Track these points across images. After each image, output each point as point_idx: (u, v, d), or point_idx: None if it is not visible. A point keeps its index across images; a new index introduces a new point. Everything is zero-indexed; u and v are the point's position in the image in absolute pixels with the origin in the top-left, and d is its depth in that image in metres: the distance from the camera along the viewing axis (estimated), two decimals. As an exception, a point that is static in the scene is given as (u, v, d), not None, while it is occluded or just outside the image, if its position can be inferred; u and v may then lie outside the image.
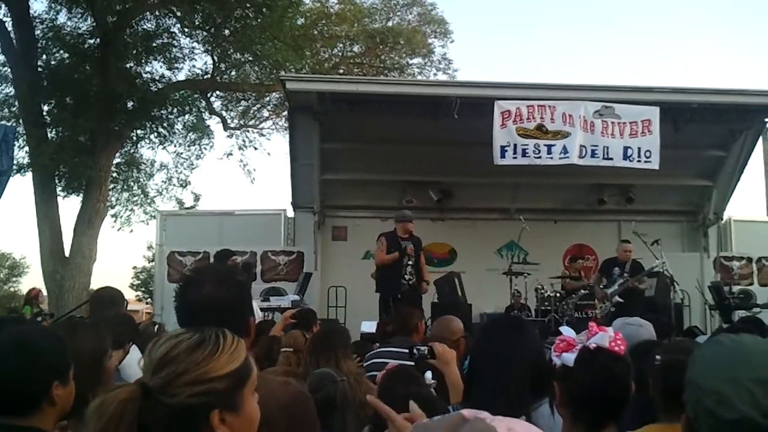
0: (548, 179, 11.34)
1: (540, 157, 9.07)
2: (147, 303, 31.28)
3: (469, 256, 12.29)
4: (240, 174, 44.75)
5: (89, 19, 15.30)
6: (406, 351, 3.22)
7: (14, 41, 14.67)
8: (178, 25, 16.22)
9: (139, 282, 35.64)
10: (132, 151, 17.44)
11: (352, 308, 11.08)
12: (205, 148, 19.07)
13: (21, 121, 14.76)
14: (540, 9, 64.25)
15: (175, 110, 16.41)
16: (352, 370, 3.64)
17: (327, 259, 12.19)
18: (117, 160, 16.66)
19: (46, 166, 13.98)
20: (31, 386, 1.97)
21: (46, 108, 15.21)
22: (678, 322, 9.22)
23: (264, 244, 12.17)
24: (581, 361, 1.91)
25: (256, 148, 21.38)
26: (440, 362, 3.06)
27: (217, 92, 19.66)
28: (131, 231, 22.03)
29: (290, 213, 12.89)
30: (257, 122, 22.04)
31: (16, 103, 15.27)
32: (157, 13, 15.86)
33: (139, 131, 16.46)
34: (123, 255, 56.56)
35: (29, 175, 14.71)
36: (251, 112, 21.69)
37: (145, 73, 16.37)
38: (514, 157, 9.06)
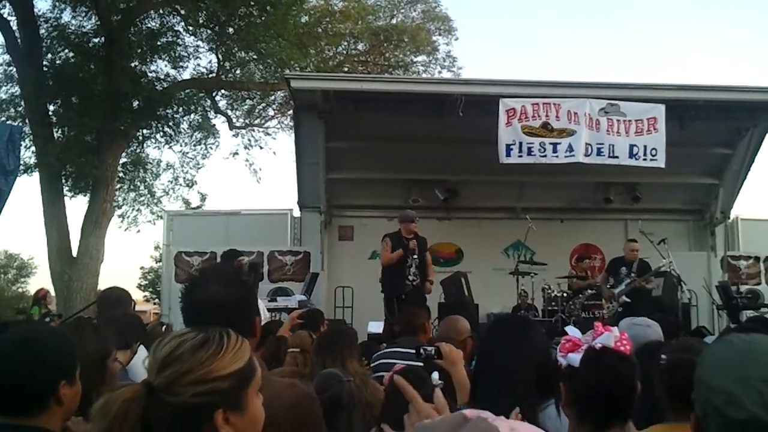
0: (554, 178, 11.32)
1: (545, 156, 9.06)
2: (155, 303, 31.39)
3: (475, 255, 12.28)
4: (246, 173, 44.80)
5: (93, 17, 15.34)
6: (413, 351, 3.21)
7: (19, 40, 14.70)
8: (183, 24, 16.25)
9: (147, 282, 35.72)
10: (138, 150, 17.49)
11: (359, 308, 11.06)
12: (211, 148, 19.12)
13: (27, 120, 14.80)
14: (543, 6, 64.12)
15: (180, 109, 16.42)
16: (358, 371, 3.63)
17: (334, 259, 12.20)
18: (123, 160, 16.72)
19: (53, 166, 14.02)
20: (38, 385, 1.97)
21: (51, 107, 15.26)
22: (685, 322, 9.18)
23: (270, 244, 12.17)
24: (587, 361, 1.90)
25: (261, 148, 21.38)
26: (447, 362, 3.05)
27: (222, 91, 19.66)
28: (138, 231, 22.14)
29: (297, 213, 12.89)
30: (262, 121, 22.04)
31: (22, 102, 15.32)
32: (161, 11, 15.88)
33: (144, 131, 16.48)
34: (130, 255, 56.71)
35: (36, 175, 14.80)
36: (256, 111, 21.68)
37: (150, 72, 16.41)
38: (520, 156, 9.05)
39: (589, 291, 10.00)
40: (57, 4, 15.37)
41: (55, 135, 15.06)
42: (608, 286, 9.38)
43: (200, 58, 17.61)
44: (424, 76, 21.43)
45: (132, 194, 18.38)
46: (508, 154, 9.02)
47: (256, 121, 21.83)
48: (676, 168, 10.11)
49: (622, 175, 11.12)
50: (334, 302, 11.52)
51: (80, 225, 14.76)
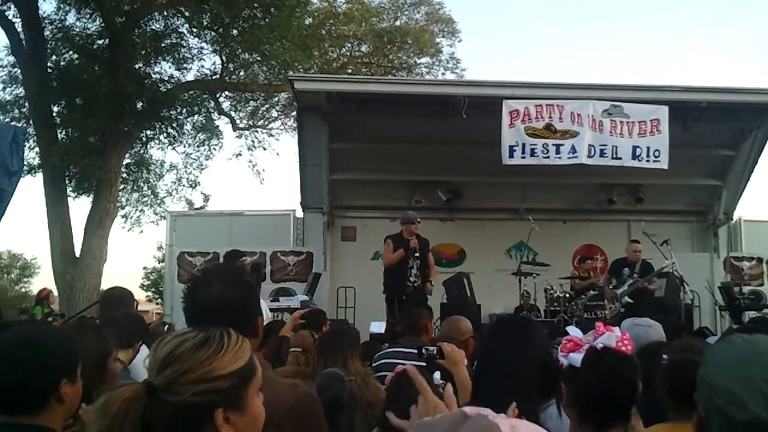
0: (557, 179, 11.32)
1: (549, 157, 9.05)
2: (157, 303, 31.39)
3: (478, 256, 12.29)
4: (249, 174, 44.74)
5: (98, 19, 15.35)
6: (415, 351, 3.21)
7: (24, 42, 14.75)
8: (187, 26, 16.29)
9: (150, 282, 35.76)
10: (141, 151, 17.49)
11: (361, 309, 11.09)
12: (215, 149, 19.09)
13: (31, 121, 14.85)
14: (544, 7, 64.17)
15: (184, 111, 16.43)
16: (359, 371, 3.63)
17: (336, 259, 12.21)
18: (127, 161, 16.72)
19: (56, 166, 14.05)
20: (39, 383, 1.98)
21: (55, 109, 15.28)
22: (688, 323, 9.16)
23: (273, 244, 12.19)
24: (588, 361, 1.90)
25: (265, 149, 21.43)
26: (449, 362, 3.05)
27: (226, 92, 19.70)
28: (141, 232, 22.19)
29: (299, 213, 12.92)
30: (266, 122, 22.08)
31: (26, 103, 15.36)
32: (165, 13, 15.91)
33: (148, 132, 16.50)
34: (133, 256, 56.69)
35: (40, 175, 14.82)
36: (260, 112, 21.71)
37: (154, 73, 16.44)
38: (523, 157, 9.04)
39: (592, 292, 9.98)
40: (62, 5, 15.41)
41: (59, 136, 15.09)
42: (611, 287, 9.37)
43: (204, 60, 17.66)
44: (427, 77, 21.44)
45: (135, 195, 18.41)
46: (511, 156, 9.01)
47: (259, 123, 21.88)
48: (679, 169, 10.10)
49: (625, 177, 11.11)
50: (337, 302, 11.53)
51: (83, 225, 14.80)
